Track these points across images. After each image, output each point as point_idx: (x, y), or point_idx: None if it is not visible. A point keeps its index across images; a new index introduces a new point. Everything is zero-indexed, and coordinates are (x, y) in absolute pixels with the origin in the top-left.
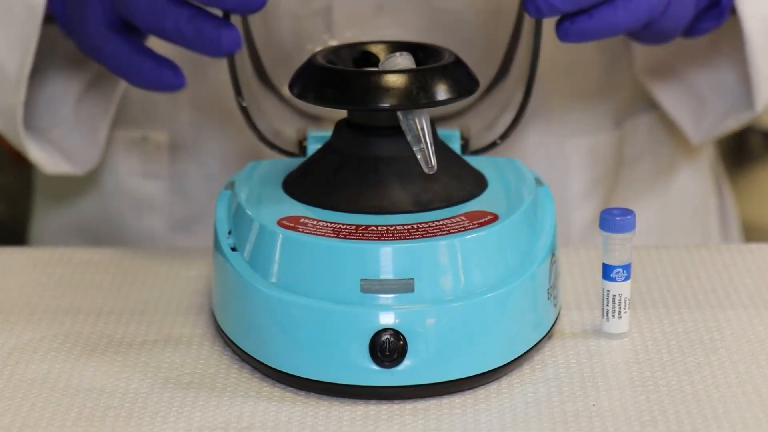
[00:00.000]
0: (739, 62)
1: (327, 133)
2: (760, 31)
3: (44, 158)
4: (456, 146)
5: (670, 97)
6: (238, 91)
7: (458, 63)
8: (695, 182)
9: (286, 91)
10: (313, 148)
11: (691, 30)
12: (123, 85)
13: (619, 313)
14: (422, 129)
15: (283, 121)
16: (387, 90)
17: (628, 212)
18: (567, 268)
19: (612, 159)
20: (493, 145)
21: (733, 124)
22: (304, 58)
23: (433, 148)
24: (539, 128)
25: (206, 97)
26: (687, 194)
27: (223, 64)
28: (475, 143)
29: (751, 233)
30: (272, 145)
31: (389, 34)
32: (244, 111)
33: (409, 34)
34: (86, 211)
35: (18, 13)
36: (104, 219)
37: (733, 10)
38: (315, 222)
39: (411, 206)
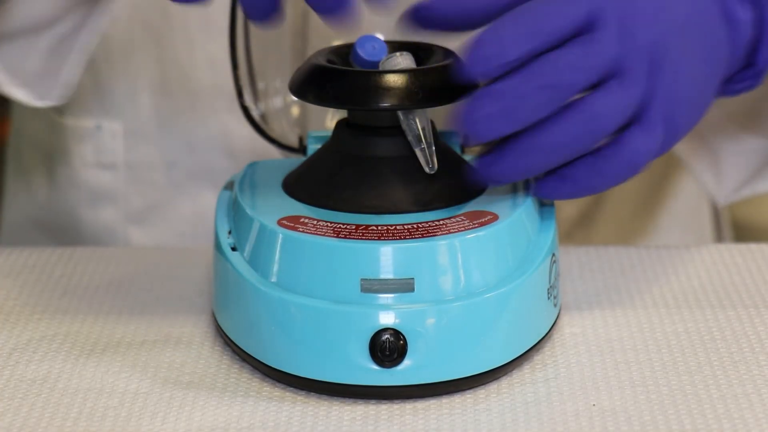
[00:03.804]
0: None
1: (327, 133)
2: None
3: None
4: (456, 146)
5: (687, 149)
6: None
7: (459, 62)
8: (690, 186)
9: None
10: (313, 148)
11: (723, 92)
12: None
13: None
14: (423, 129)
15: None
16: (387, 90)
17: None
18: (567, 268)
19: None
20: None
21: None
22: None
23: (433, 148)
24: None
25: (172, 79)
26: (681, 199)
27: (190, 42)
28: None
29: (751, 234)
30: (271, 139)
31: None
32: (245, 110)
33: (386, 28)
34: (43, 204)
35: None
36: (60, 212)
37: None
38: (315, 222)
39: (411, 206)
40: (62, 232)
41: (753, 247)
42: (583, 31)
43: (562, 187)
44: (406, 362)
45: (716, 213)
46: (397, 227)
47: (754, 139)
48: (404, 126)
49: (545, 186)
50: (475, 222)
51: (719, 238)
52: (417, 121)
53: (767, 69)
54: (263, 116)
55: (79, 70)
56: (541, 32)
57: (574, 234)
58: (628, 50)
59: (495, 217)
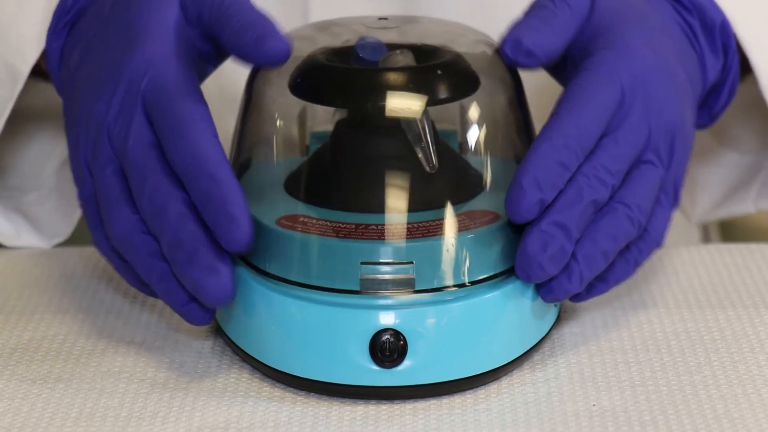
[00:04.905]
0: (742, 145)
1: (327, 132)
2: None
3: (8, 229)
4: (456, 145)
5: None
6: None
7: (459, 61)
8: None
9: None
10: (313, 147)
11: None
12: None
13: None
14: (423, 128)
15: None
16: (387, 88)
17: None
18: None
19: None
20: None
21: (751, 209)
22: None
23: (434, 146)
24: None
25: None
26: None
27: None
28: None
29: (752, 234)
30: None
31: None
32: None
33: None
34: None
35: None
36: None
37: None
38: (315, 221)
39: (411, 205)
40: (80, 240)
41: (753, 247)
42: (614, 119)
43: (603, 286)
44: (407, 363)
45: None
46: (397, 226)
47: (731, 155)
48: (404, 124)
49: (587, 292)
50: (475, 221)
51: (706, 237)
52: (417, 120)
53: (722, 112)
54: None
55: None
56: (578, 150)
57: None
58: (653, 133)
59: (495, 217)
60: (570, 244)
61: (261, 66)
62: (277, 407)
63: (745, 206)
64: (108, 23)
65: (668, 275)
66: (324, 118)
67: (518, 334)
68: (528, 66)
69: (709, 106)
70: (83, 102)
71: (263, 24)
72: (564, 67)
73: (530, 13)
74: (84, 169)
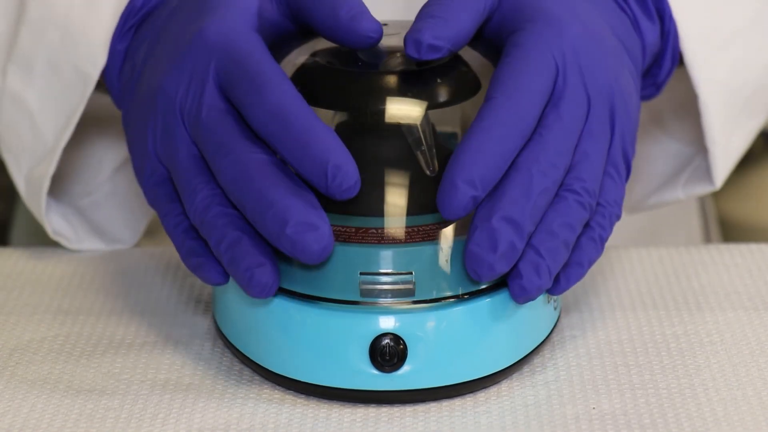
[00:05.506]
0: (680, 133)
1: None
2: (717, 99)
3: (67, 231)
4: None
5: None
6: None
7: (459, 64)
8: None
9: None
10: None
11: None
12: None
13: None
14: (423, 131)
15: None
16: (387, 91)
17: None
18: None
19: None
20: None
21: (681, 195)
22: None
23: (434, 150)
24: None
25: None
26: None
27: None
28: None
29: (752, 234)
30: None
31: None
32: None
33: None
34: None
35: (67, 78)
36: None
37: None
38: None
39: (411, 209)
40: None
41: (753, 248)
42: (552, 94)
43: (580, 271)
44: (406, 367)
45: (704, 212)
46: (397, 230)
47: (673, 145)
48: (404, 129)
49: (566, 279)
50: None
51: (707, 237)
52: (417, 124)
53: (667, 80)
54: None
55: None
56: (522, 129)
57: None
58: (593, 100)
59: None
60: (521, 240)
61: (353, 46)
62: (277, 409)
63: (674, 193)
64: (180, 7)
65: (668, 277)
66: (324, 121)
67: (518, 338)
68: (439, 58)
69: (653, 75)
70: (151, 85)
71: (356, 4)
72: (491, 45)
73: (430, 1)
74: (153, 158)
